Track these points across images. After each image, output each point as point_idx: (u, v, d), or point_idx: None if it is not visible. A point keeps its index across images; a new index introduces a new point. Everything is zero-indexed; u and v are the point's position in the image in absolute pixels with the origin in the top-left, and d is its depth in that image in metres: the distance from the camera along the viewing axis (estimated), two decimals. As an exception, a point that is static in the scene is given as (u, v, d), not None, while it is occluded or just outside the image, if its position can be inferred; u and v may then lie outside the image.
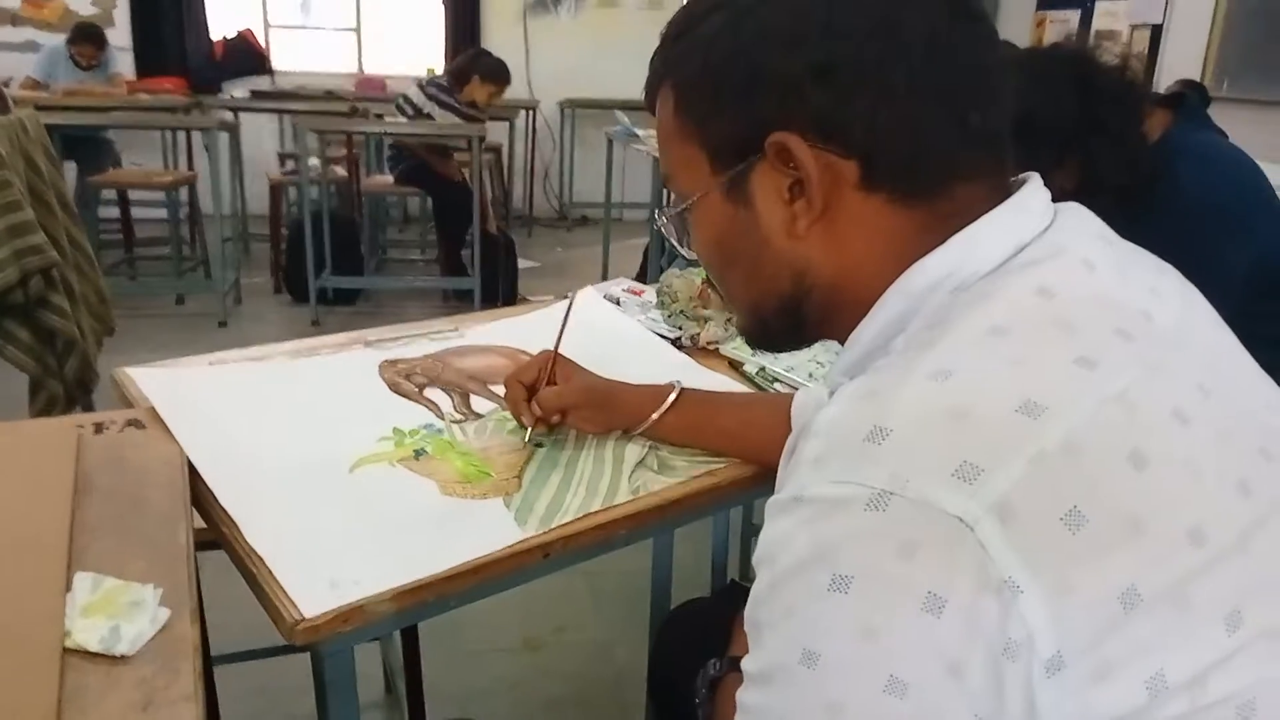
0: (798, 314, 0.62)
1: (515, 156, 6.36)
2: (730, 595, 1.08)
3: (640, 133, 3.77)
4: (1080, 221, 0.59)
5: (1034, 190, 0.58)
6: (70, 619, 0.62)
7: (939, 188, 0.56)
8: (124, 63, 5.45)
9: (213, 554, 0.83)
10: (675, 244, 0.67)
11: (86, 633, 0.61)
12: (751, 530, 1.93)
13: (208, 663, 1.21)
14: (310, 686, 0.76)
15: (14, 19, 5.67)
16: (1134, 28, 4.76)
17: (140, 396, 0.95)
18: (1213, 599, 0.46)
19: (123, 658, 0.61)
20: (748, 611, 0.53)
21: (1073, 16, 5.18)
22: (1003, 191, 0.57)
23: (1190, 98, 1.53)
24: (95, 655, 0.60)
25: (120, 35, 5.71)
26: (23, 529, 0.71)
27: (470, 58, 4.50)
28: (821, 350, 1.22)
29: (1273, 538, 0.48)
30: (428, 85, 4.37)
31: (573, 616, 2.09)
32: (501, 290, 4.35)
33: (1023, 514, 0.44)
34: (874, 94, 0.54)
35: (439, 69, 6.26)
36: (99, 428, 0.86)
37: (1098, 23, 5.02)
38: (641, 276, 4.06)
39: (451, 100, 4.31)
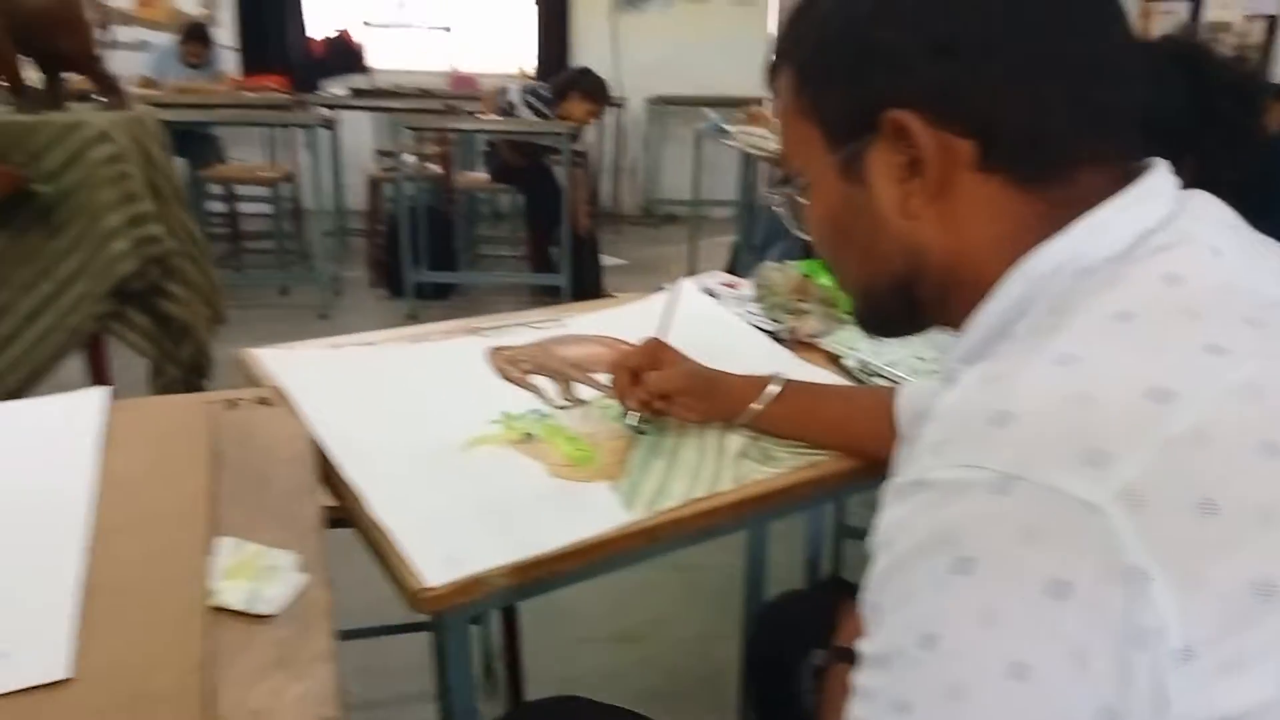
0: (911, 296, 0.61)
1: (602, 154, 6.42)
2: (832, 588, 1.08)
3: (730, 128, 3.76)
4: (1208, 208, 0.57)
5: (1160, 176, 0.57)
6: (214, 579, 0.66)
7: (1061, 171, 0.55)
8: (229, 61, 5.68)
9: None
10: (791, 226, 0.67)
11: (230, 593, 0.65)
12: (845, 530, 1.91)
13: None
14: (419, 666, 0.79)
15: (126, 19, 5.96)
16: (1248, 18, 4.55)
17: (265, 376, 1.00)
18: None
19: (262, 618, 0.64)
20: (866, 595, 0.53)
21: (1181, 7, 4.97)
22: (1128, 177, 0.56)
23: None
24: (236, 614, 0.64)
25: (225, 34, 5.95)
26: (164, 497, 0.76)
27: (574, 74, 4.56)
28: (924, 345, 1.21)
29: None
30: (528, 92, 4.44)
31: (668, 610, 2.10)
32: (588, 287, 4.40)
33: (1153, 501, 0.43)
34: (994, 72, 0.54)
35: (530, 67, 6.37)
36: (231, 404, 0.91)
37: (1209, 13, 4.81)
38: (730, 273, 4.05)
39: (547, 111, 4.38)
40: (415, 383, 1.04)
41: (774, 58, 0.63)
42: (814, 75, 0.60)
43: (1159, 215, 0.55)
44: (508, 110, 4.41)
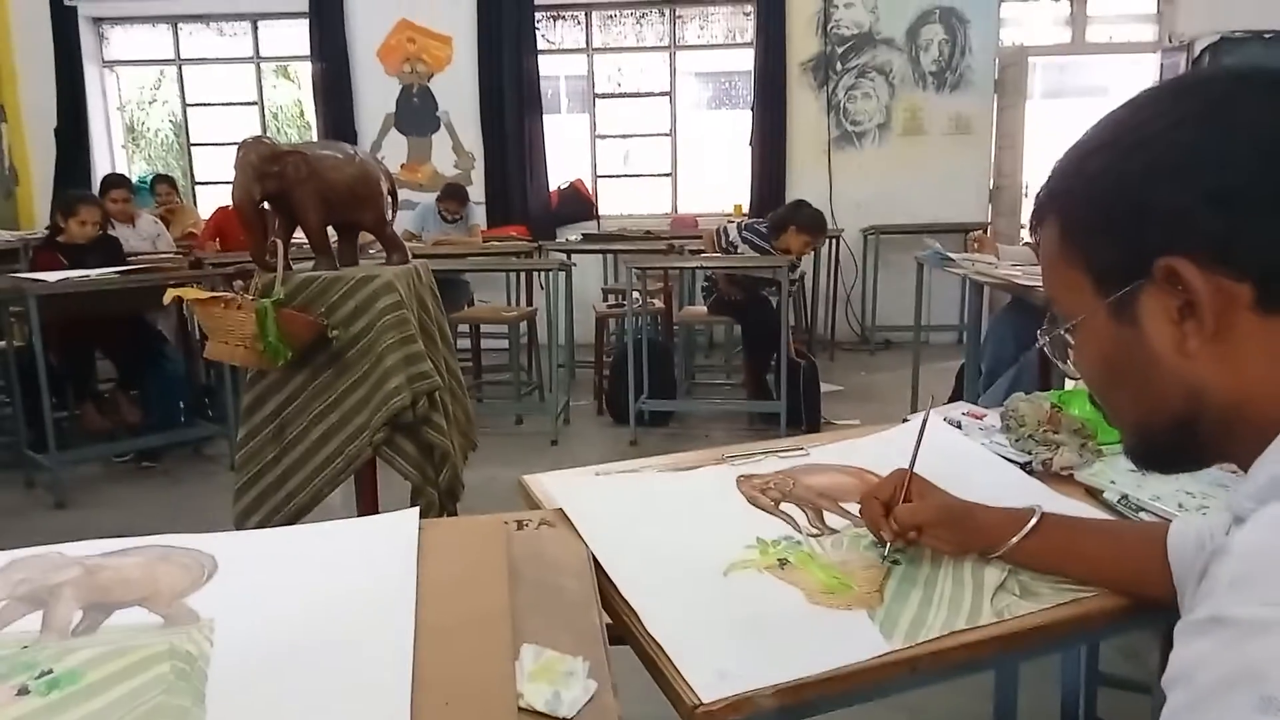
0: (1192, 433, 0.62)
1: (819, 282, 6.51)
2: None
3: (954, 255, 3.74)
4: None
5: None
6: (520, 682, 0.75)
7: None
8: (479, 214, 6.32)
9: None
10: (1058, 362, 0.70)
11: (535, 695, 0.73)
12: (1099, 678, 1.78)
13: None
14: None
15: (395, 181, 6.80)
16: None
17: (542, 498, 1.11)
18: None
19: (563, 719, 0.71)
20: (1162, 734, 0.53)
21: None
22: None
23: None
24: (541, 715, 0.72)
25: (476, 191, 6.65)
26: (475, 605, 0.86)
27: (791, 209, 4.74)
28: (1190, 480, 1.15)
29: None
30: (745, 229, 4.65)
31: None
32: (805, 414, 4.42)
33: None
34: (1270, 220, 0.55)
35: (745, 205, 6.64)
36: (520, 525, 1.02)
37: None
38: (956, 398, 3.95)
39: (766, 245, 4.55)
40: (675, 508, 1.12)
41: (1039, 206, 0.68)
42: (1084, 228, 0.63)
43: None
44: (728, 248, 4.61)
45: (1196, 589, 0.55)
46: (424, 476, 2.55)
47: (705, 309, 4.93)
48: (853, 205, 6.63)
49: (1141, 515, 1.09)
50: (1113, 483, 1.15)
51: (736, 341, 5.21)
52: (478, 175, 6.84)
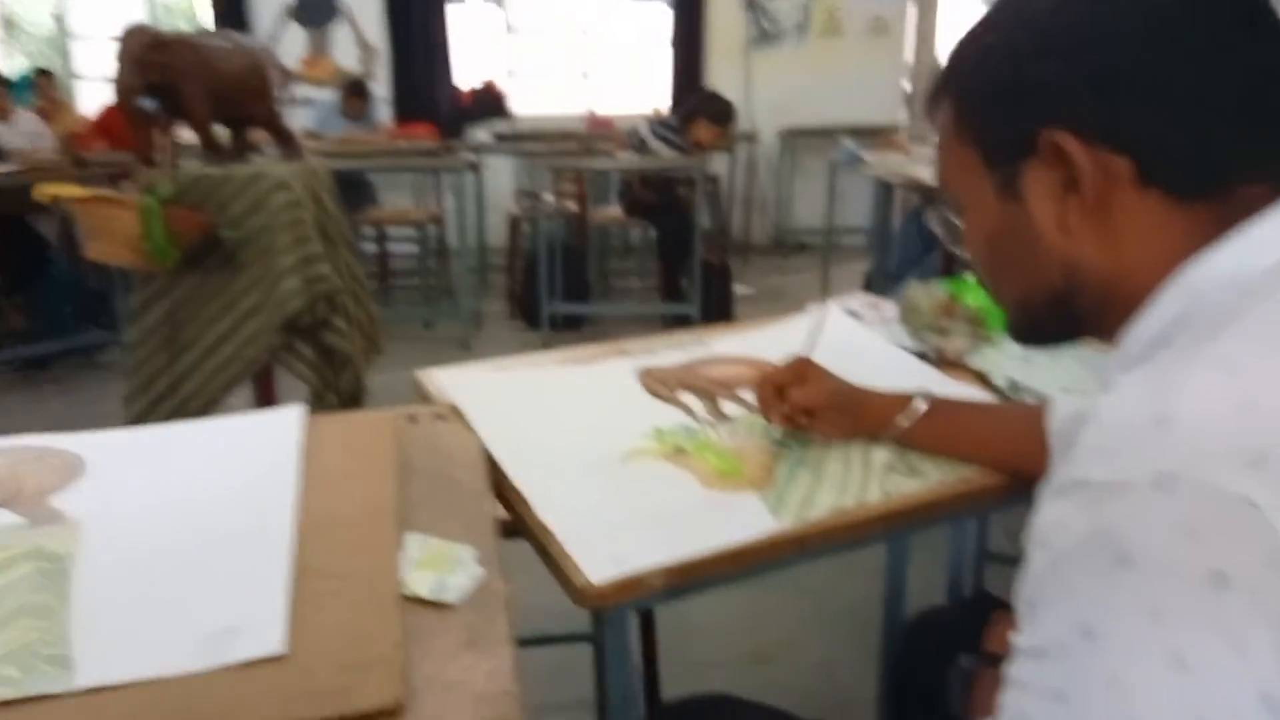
0: (1068, 309, 0.63)
1: (733, 187, 6.49)
2: (978, 602, 1.08)
3: (866, 156, 3.76)
4: None
5: None
6: (404, 571, 0.74)
7: (1218, 188, 0.56)
8: (384, 113, 6.06)
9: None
10: (949, 244, 0.70)
11: (419, 584, 0.72)
12: (987, 555, 1.88)
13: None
14: (576, 675, 0.84)
15: (294, 78, 6.45)
16: None
17: (436, 394, 1.09)
18: None
19: (449, 606, 0.71)
20: (1022, 591, 0.55)
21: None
22: None
23: None
24: (426, 602, 0.71)
25: (381, 88, 6.35)
26: (359, 498, 0.84)
27: (699, 100, 4.66)
28: (1074, 364, 1.19)
29: None
30: (657, 125, 4.57)
31: (797, 633, 2.11)
32: (717, 316, 4.46)
33: None
34: (1150, 98, 0.56)
35: (664, 107, 6.52)
36: (412, 419, 1.00)
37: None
38: (863, 301, 4.03)
39: (678, 140, 4.48)
40: (573, 401, 1.11)
41: (936, 87, 0.67)
42: (975, 104, 0.63)
43: None
44: (639, 147, 4.54)
45: (1064, 455, 0.56)
46: (323, 380, 2.49)
47: (620, 212, 4.87)
48: (770, 107, 6.57)
49: (1025, 398, 1.13)
50: (1002, 369, 1.18)
51: (652, 245, 5.17)
52: (383, 71, 6.53)
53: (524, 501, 0.88)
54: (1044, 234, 0.61)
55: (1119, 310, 0.60)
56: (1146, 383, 0.52)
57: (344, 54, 6.54)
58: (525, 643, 1.70)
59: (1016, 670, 0.55)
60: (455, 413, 1.03)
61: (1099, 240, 0.59)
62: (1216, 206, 0.56)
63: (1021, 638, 0.55)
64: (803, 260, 6.30)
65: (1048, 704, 0.52)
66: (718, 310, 4.49)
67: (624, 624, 0.82)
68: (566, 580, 0.79)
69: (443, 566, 0.74)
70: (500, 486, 0.92)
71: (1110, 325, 0.62)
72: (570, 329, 4.63)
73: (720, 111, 4.55)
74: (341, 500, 0.84)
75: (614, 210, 4.95)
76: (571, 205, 4.95)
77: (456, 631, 0.68)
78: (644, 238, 5.66)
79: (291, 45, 6.44)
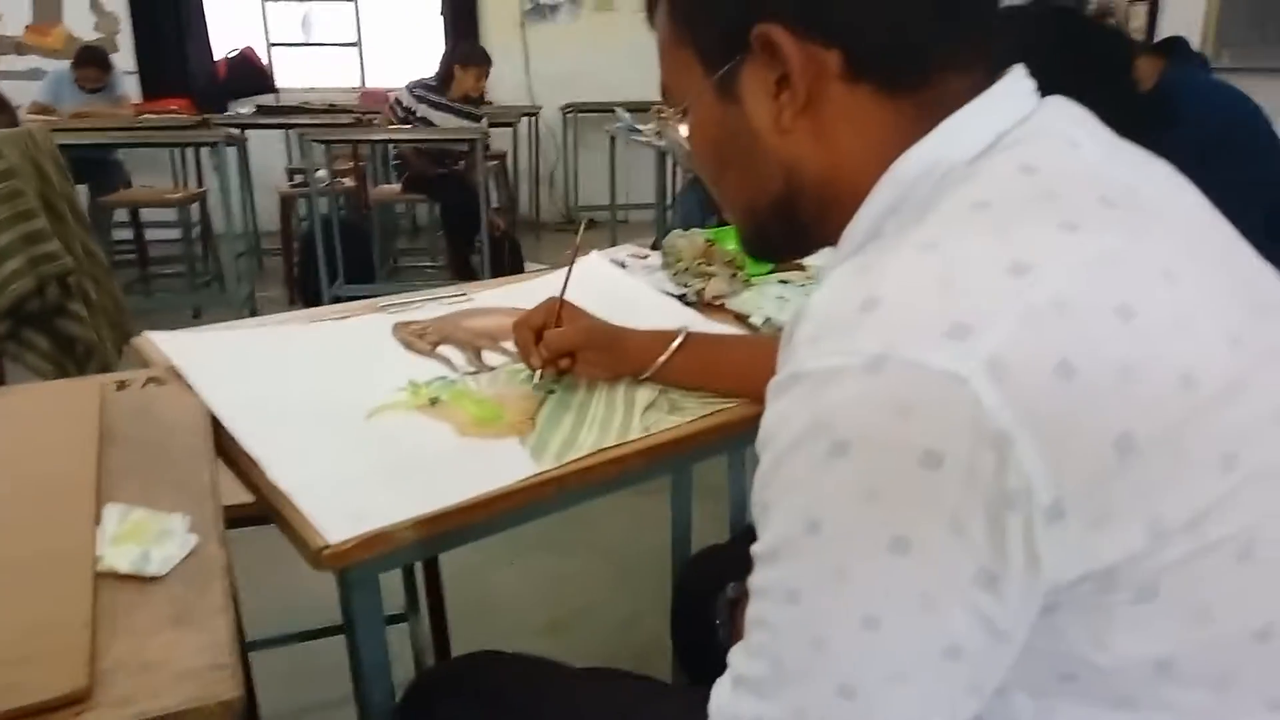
0: (792, 214, 0.63)
1: (520, 161, 6.41)
2: (749, 536, 1.09)
3: (641, 127, 3.79)
4: (1064, 106, 0.60)
5: (1017, 78, 0.59)
6: (101, 546, 0.64)
7: (925, 79, 0.57)
8: (129, 86, 5.52)
9: (249, 542, 0.84)
10: (674, 154, 0.68)
11: (117, 557, 0.63)
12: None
13: (243, 646, 1.24)
14: (343, 670, 0.78)
15: (18, 47, 5.76)
16: (1131, 1, 4.76)
17: (161, 358, 0.97)
18: (1207, 442, 0.46)
19: (154, 579, 0.62)
20: (754, 496, 0.54)
21: (1069, -5, 5.17)
22: (990, 83, 0.59)
23: (1182, 42, 1.53)
24: (127, 577, 0.62)
25: (125, 59, 5.78)
26: (53, 472, 0.73)
27: (446, 53, 4.56)
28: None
29: (1264, 385, 0.49)
30: (415, 88, 4.44)
31: (597, 596, 2.10)
32: (511, 292, 4.39)
33: (1015, 367, 0.45)
34: None
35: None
36: (121, 385, 0.88)
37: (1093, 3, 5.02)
38: (650, 270, 4.08)
39: (442, 99, 4.37)
40: (317, 358, 1.02)
41: None
42: (688, 2, 0.62)
43: (1016, 114, 0.57)
44: (406, 116, 4.39)
45: (784, 351, 0.56)
46: (63, 373, 2.23)
47: (399, 187, 4.68)
48: (550, 82, 6.52)
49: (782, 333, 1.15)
50: (760, 308, 1.20)
51: (439, 222, 5.01)
52: (125, 40, 5.94)
53: (254, 464, 0.80)
54: (762, 134, 0.60)
55: (840, 211, 0.60)
56: (854, 270, 0.52)
57: (79, 21, 5.91)
58: (276, 643, 1.62)
59: (756, 578, 0.54)
60: (175, 376, 0.92)
61: (814, 138, 0.59)
62: (925, 99, 0.57)
63: (758, 545, 0.54)
64: (593, 236, 6.30)
65: (784, 606, 0.51)
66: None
67: (373, 587, 0.76)
68: (303, 545, 0.72)
69: (146, 538, 0.65)
70: (233, 454, 0.83)
71: (834, 228, 0.62)
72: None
73: (471, 52, 4.50)
74: (30, 477, 0.73)
75: (393, 188, 4.75)
76: (348, 182, 4.71)
77: (160, 607, 0.60)
78: (432, 215, 5.48)
79: (14, 9, 5.76)
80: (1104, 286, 0.47)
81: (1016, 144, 0.55)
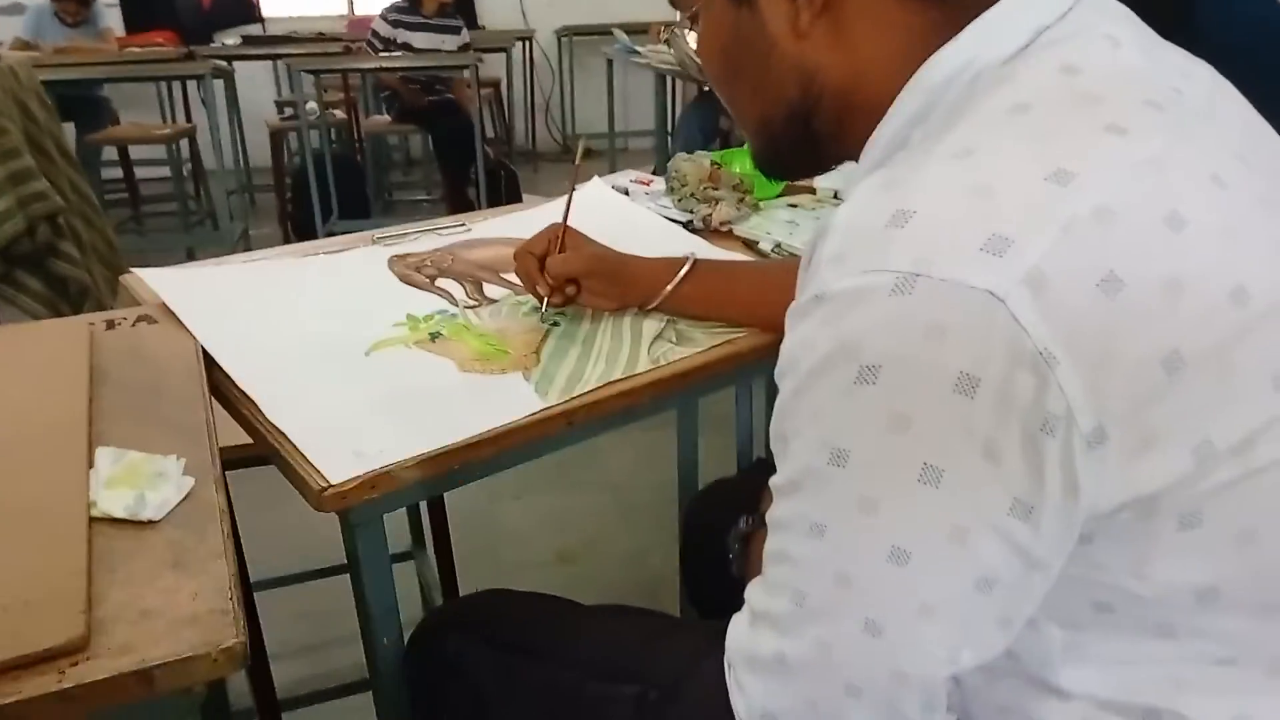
0: (809, 126, 0.59)
1: (514, 89, 6.27)
2: (759, 469, 1.07)
3: (640, 49, 3.69)
4: (1104, 3, 0.56)
5: None
6: (95, 490, 0.62)
7: None
8: (112, 19, 5.36)
9: (252, 482, 0.81)
10: (684, 63, 0.64)
11: (111, 502, 0.61)
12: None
13: (247, 588, 1.23)
14: (352, 609, 0.76)
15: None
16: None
17: (152, 296, 0.94)
18: (1258, 360, 0.44)
19: (150, 523, 0.60)
20: (773, 427, 0.51)
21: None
22: None
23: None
24: (123, 522, 0.60)
25: (106, -8, 5.62)
26: (43, 416, 0.71)
27: None
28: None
29: None
30: (389, 13, 4.33)
31: (604, 529, 2.10)
32: (510, 223, 4.33)
33: (1056, 282, 0.42)
34: None
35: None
36: (110, 324, 0.85)
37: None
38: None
39: (418, 17, 4.26)
40: (312, 293, 0.99)
41: None
42: None
43: (1055, 11, 0.52)
44: (385, 46, 4.28)
45: (805, 271, 0.53)
46: (58, 314, 2.20)
47: (389, 119, 4.58)
48: (544, 4, 6.34)
49: (793, 258, 1.12)
50: (768, 233, 1.17)
51: (433, 154, 4.91)
52: (106, -30, 5.76)
53: (252, 404, 0.77)
54: (778, 40, 0.56)
55: (860, 125, 0.57)
56: (882, 184, 0.48)
57: (56, -48, 5.72)
58: (282, 582, 1.61)
59: (775, 511, 0.52)
60: (167, 314, 0.89)
61: (834, 43, 0.55)
62: (952, 1, 0.52)
63: (777, 477, 0.52)
64: (593, 165, 6.15)
65: (807, 540, 0.49)
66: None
67: (377, 528, 0.74)
68: (305, 486, 0.70)
69: (141, 481, 0.63)
70: (229, 393, 0.81)
71: (853, 145, 0.58)
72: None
73: None
74: (21, 420, 0.70)
75: (385, 119, 4.65)
76: (339, 114, 4.61)
77: (158, 551, 0.58)
78: (426, 147, 5.38)
79: (-13, -59, 5.57)
80: (1152, 194, 0.44)
81: (1055, 43, 0.51)
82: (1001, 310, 0.42)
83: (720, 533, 0.90)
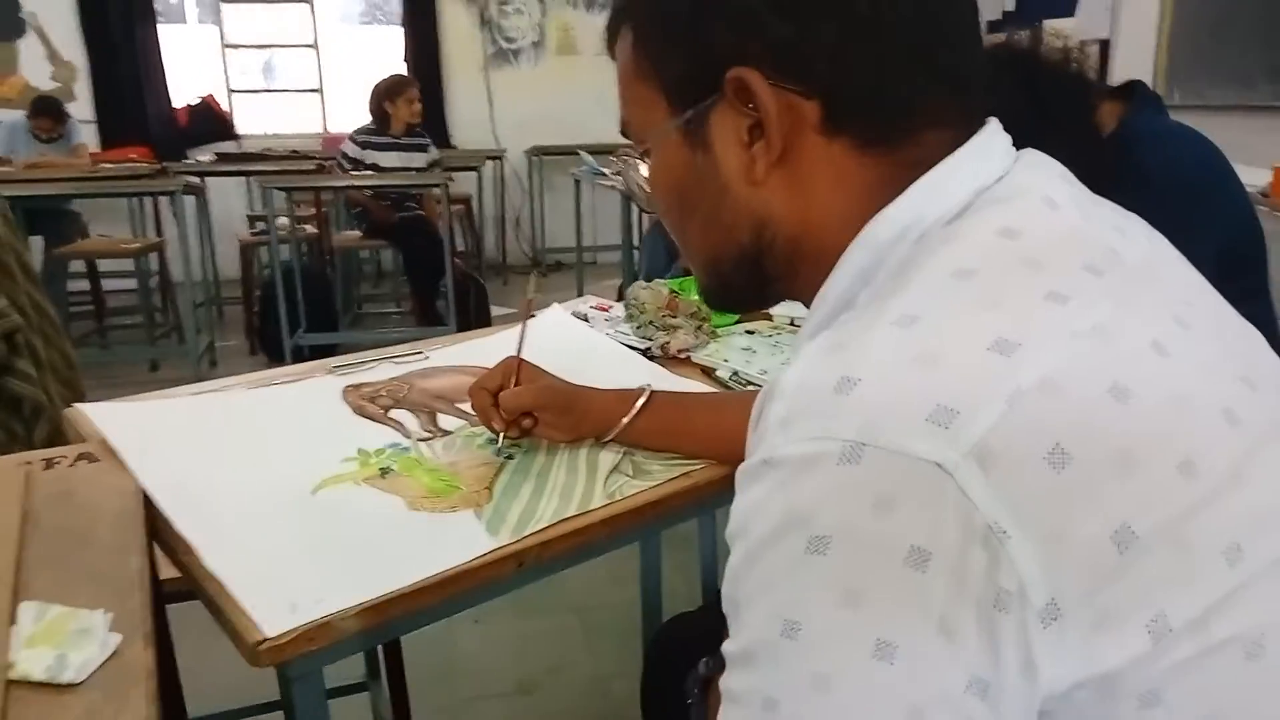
0: (759, 268, 0.59)
1: (485, 205, 6.40)
2: (720, 601, 1.05)
3: (605, 170, 3.79)
4: (1041, 163, 0.57)
5: (993, 134, 0.56)
6: (15, 650, 0.59)
7: (904, 133, 0.54)
8: (87, 134, 5.45)
9: (191, 614, 0.79)
10: (633, 196, 0.65)
11: (30, 663, 0.58)
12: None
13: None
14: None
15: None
16: (1083, 43, 4.85)
17: (94, 434, 0.92)
18: (1210, 533, 0.43)
19: (69, 686, 0.57)
20: (725, 590, 0.50)
21: (1021, 36, 5.27)
22: (966, 137, 0.55)
23: (1142, 85, 1.54)
24: (41, 685, 0.57)
25: (83, 108, 5.72)
26: (-35, 566, 0.68)
27: (373, 95, 4.54)
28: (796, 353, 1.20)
29: (1266, 467, 0.45)
30: (357, 135, 4.45)
31: (567, 655, 2.04)
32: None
33: (1003, 456, 0.41)
34: (836, 27, 0.52)
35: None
36: (49, 463, 0.83)
37: (1047, 41, 5.11)
38: (617, 313, 4.06)
39: (385, 138, 4.39)
40: (260, 428, 0.97)
41: (613, 14, 0.61)
42: (653, 33, 0.58)
43: (993, 172, 0.54)
44: (353, 165, 4.40)
45: (754, 432, 0.52)
46: (11, 435, 2.13)
47: (359, 234, 4.65)
48: (515, 125, 6.53)
49: (752, 389, 1.12)
50: (726, 361, 1.17)
51: (403, 268, 4.96)
52: (83, 89, 5.88)
53: (189, 549, 0.75)
54: (731, 184, 0.56)
55: (811, 270, 0.57)
56: (829, 347, 0.48)
57: (35, 71, 5.85)
58: (250, 711, 1.53)
59: (728, 681, 0.50)
60: (107, 451, 0.87)
61: (787, 193, 0.55)
62: (906, 155, 0.54)
63: (729, 644, 0.50)
64: (560, 279, 6.29)
65: (760, 715, 0.47)
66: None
67: (317, 683, 0.71)
68: (239, 638, 0.67)
69: (63, 639, 0.60)
70: (167, 537, 0.78)
71: (804, 287, 0.59)
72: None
73: (393, 83, 4.49)
74: (-62, 573, 0.67)
75: (355, 234, 4.71)
76: (310, 229, 4.66)
77: (77, 718, 0.54)
78: (396, 260, 5.44)
79: (-32, 61, 5.69)
80: (1095, 366, 0.44)
81: (995, 203, 0.52)
82: (950, 484, 0.41)
83: (682, 674, 0.87)
